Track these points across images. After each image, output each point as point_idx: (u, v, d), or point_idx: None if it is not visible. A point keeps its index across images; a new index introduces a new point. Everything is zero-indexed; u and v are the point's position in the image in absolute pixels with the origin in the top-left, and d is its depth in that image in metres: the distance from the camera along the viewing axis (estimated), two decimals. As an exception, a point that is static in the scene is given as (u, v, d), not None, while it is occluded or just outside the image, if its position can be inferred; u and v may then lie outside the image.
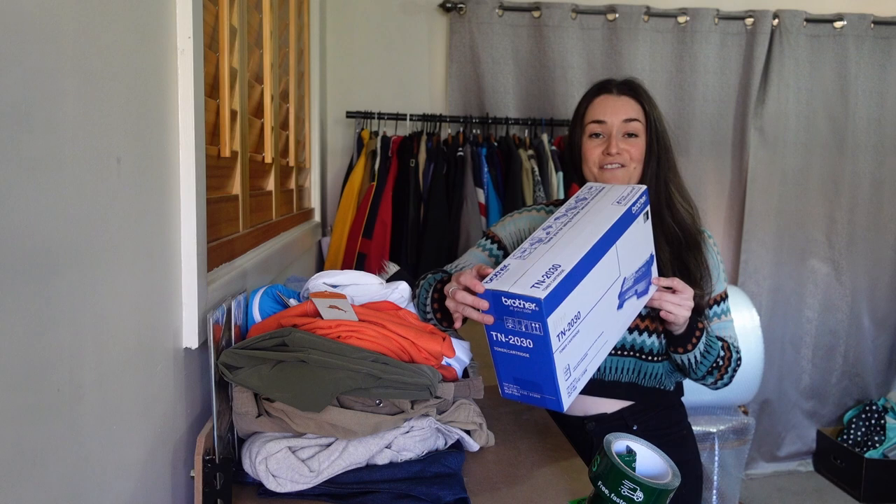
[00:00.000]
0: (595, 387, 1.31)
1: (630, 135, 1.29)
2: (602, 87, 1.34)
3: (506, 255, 1.35)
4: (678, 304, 1.16)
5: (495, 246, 1.38)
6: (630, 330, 1.28)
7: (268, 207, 1.71)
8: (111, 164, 0.73)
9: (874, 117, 3.18)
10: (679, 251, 1.30)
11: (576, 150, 1.35)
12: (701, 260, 1.29)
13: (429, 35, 2.96)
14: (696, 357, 1.24)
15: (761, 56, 3.04)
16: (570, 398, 1.02)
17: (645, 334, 1.28)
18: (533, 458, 1.13)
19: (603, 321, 1.06)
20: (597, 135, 1.31)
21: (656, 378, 1.31)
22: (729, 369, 1.30)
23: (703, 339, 1.24)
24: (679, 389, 1.39)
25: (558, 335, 0.96)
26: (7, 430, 0.54)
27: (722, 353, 1.27)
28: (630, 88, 1.33)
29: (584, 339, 1.02)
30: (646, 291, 1.16)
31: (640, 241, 1.14)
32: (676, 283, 1.17)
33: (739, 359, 1.32)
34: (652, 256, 1.17)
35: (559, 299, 0.95)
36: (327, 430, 0.96)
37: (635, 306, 1.15)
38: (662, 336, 1.29)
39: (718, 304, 1.34)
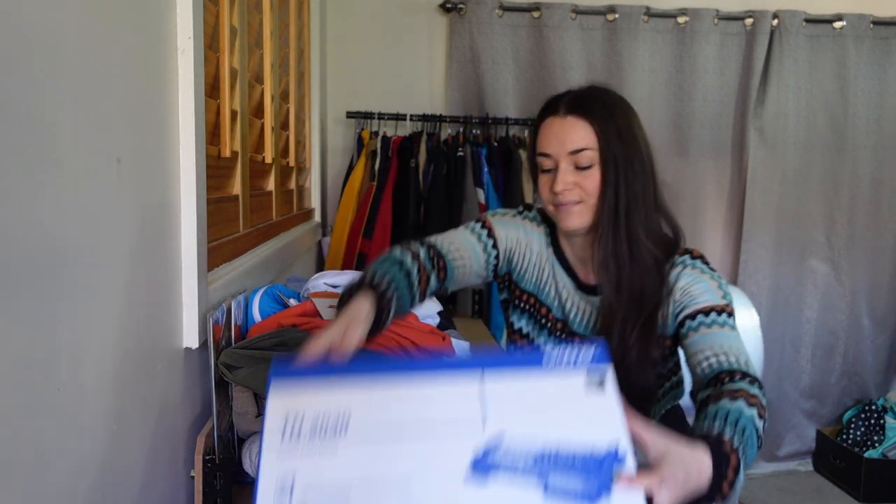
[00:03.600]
0: None
1: (581, 167, 1.12)
2: (549, 107, 1.17)
3: (497, 251, 1.26)
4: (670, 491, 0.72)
5: (491, 241, 1.25)
6: None
7: (268, 207, 1.71)
8: (111, 164, 0.73)
9: (874, 117, 3.18)
10: (633, 316, 1.12)
11: (535, 181, 1.22)
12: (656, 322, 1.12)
13: (429, 35, 2.96)
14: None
15: (761, 56, 3.04)
16: None
17: None
18: (533, 458, 1.12)
19: (404, 481, 0.68)
20: (547, 170, 1.16)
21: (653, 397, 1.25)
22: (766, 420, 0.93)
23: (742, 469, 0.82)
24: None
25: (281, 429, 0.70)
26: (7, 430, 0.54)
27: (758, 424, 0.89)
28: (580, 105, 1.12)
29: (343, 465, 0.68)
30: (595, 495, 0.68)
31: (572, 409, 0.75)
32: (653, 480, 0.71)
33: (761, 386, 0.98)
34: (616, 447, 0.72)
35: (294, 377, 0.73)
36: (327, 429, 0.96)
37: None
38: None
39: (719, 313, 1.10)
